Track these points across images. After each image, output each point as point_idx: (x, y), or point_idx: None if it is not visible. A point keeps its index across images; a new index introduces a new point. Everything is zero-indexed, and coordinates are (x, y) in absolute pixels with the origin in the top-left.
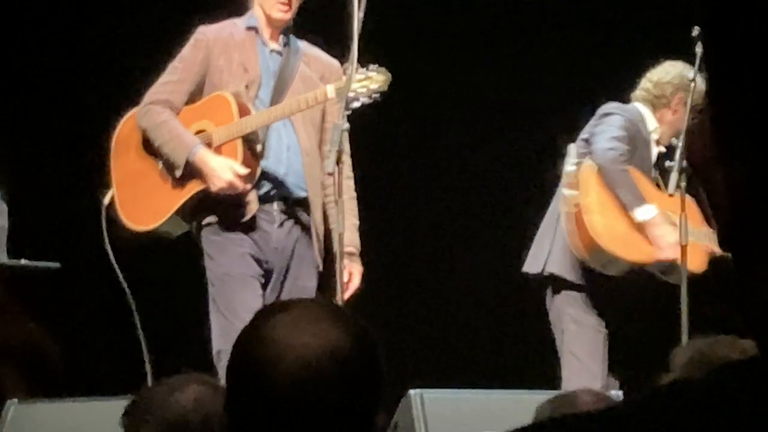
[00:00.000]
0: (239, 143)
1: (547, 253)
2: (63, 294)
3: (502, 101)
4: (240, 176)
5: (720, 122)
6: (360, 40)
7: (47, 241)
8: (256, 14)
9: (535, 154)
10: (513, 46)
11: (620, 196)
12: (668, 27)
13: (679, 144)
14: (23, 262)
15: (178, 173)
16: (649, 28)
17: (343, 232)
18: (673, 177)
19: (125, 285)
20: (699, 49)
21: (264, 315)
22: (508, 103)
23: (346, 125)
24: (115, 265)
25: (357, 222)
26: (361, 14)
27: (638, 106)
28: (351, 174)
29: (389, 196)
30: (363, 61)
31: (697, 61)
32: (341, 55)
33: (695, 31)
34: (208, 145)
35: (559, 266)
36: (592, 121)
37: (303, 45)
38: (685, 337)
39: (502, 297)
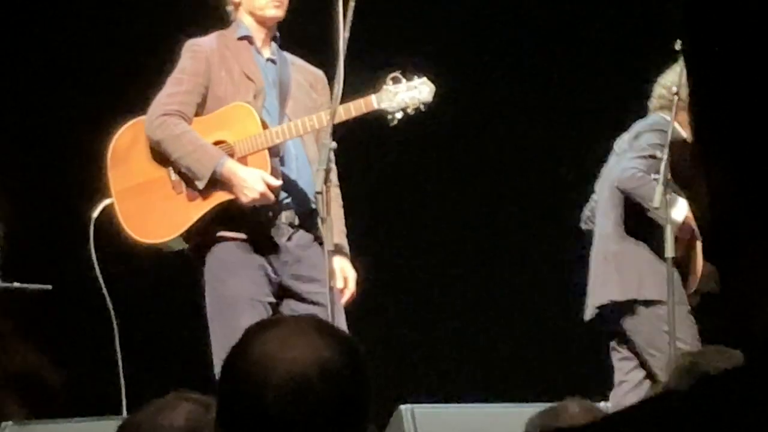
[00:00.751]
0: (267, 154)
1: (637, 280)
2: (55, 315)
3: (531, 112)
4: (271, 187)
5: (702, 135)
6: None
7: (38, 263)
8: (245, 23)
9: (540, 159)
10: (559, 64)
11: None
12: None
13: (664, 157)
14: (15, 284)
15: (201, 185)
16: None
17: (332, 250)
18: (659, 190)
19: (108, 300)
20: (681, 62)
21: (253, 331)
22: (539, 114)
23: (333, 144)
24: (101, 279)
25: (345, 229)
26: (347, 34)
27: (663, 115)
28: (337, 182)
29: (383, 207)
30: (408, 72)
31: (682, 74)
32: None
33: (678, 44)
34: (230, 155)
35: (659, 290)
36: (627, 140)
37: (287, 54)
38: (672, 348)
39: (493, 310)
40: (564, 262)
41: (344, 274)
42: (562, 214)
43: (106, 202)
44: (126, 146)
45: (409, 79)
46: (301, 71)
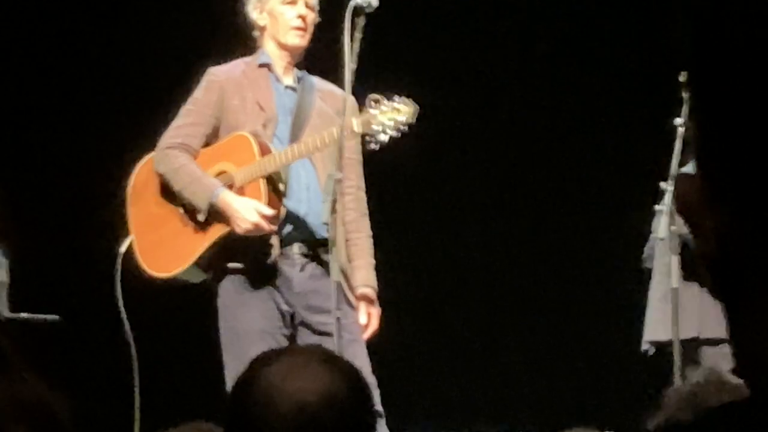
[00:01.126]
0: (262, 183)
1: (698, 319)
2: (63, 347)
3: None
4: (265, 217)
5: (708, 171)
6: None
7: (47, 293)
8: (267, 50)
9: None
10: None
11: None
12: None
13: (668, 188)
14: (24, 315)
15: (201, 217)
16: None
17: (339, 282)
18: (664, 221)
19: (130, 336)
20: (686, 94)
21: (259, 362)
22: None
23: (339, 175)
24: (124, 316)
25: (373, 261)
26: (354, 65)
27: None
28: (366, 212)
29: (389, 222)
30: (390, 92)
31: (684, 107)
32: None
33: (682, 77)
34: (230, 186)
35: (724, 329)
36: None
37: (316, 80)
38: (677, 380)
39: (500, 338)
40: (573, 288)
41: (368, 309)
42: (570, 236)
43: (131, 237)
44: (143, 181)
45: (391, 100)
46: (328, 98)
